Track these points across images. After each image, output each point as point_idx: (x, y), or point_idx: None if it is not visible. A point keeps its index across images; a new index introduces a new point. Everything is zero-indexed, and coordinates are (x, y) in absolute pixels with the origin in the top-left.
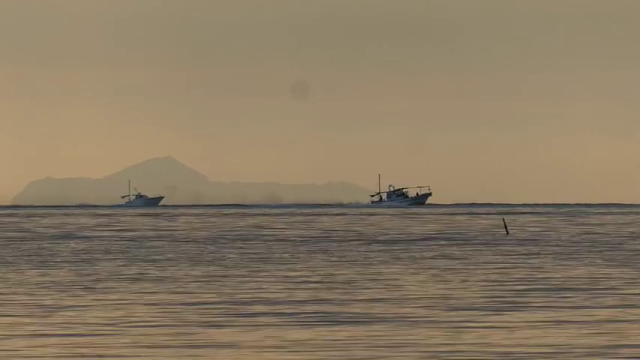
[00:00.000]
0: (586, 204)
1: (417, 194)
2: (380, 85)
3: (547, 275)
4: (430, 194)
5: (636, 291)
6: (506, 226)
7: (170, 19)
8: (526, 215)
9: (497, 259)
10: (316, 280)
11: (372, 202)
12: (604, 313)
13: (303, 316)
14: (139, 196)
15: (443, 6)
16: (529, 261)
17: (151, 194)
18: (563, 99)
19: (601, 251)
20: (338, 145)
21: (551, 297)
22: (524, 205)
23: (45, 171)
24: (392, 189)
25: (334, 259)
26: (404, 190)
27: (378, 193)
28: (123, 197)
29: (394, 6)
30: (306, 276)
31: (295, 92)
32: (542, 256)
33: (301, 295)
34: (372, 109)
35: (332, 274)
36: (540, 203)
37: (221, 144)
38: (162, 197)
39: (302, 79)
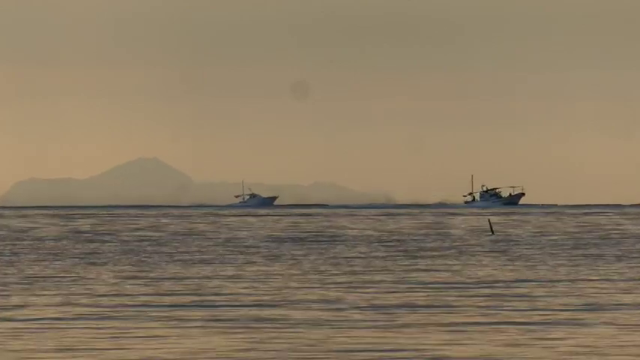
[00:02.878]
0: (585, 204)
1: (510, 194)
2: (380, 85)
3: None
4: (523, 194)
5: None
6: (491, 227)
7: (170, 19)
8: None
9: None
10: None
11: (465, 202)
12: None
13: None
14: (253, 196)
15: (443, 6)
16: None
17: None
18: (563, 99)
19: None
20: (329, 145)
21: None
22: (524, 205)
23: (29, 171)
24: (485, 189)
25: None
26: (497, 191)
27: (471, 193)
28: (237, 197)
29: (394, 6)
30: None
31: (295, 92)
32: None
33: None
34: (372, 109)
35: None
36: (539, 204)
37: (206, 145)
38: (277, 197)
39: (302, 79)
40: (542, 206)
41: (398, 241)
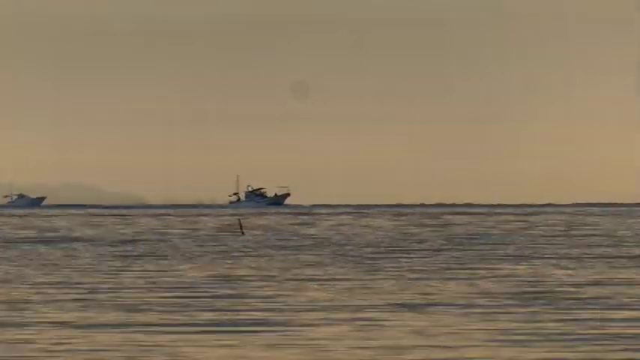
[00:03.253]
0: (586, 204)
1: (276, 194)
2: (379, 85)
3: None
4: (289, 195)
5: None
6: (241, 227)
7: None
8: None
9: None
10: None
11: (231, 202)
12: None
13: None
14: (21, 196)
15: (443, 6)
16: None
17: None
18: (563, 99)
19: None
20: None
21: None
22: (288, 205)
23: None
24: (250, 189)
25: None
26: (262, 191)
27: (236, 193)
28: (5, 197)
29: (394, 6)
30: None
31: (296, 92)
32: None
33: None
34: (372, 109)
35: None
36: (538, 204)
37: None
38: (45, 197)
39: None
40: (308, 207)
41: (128, 242)
